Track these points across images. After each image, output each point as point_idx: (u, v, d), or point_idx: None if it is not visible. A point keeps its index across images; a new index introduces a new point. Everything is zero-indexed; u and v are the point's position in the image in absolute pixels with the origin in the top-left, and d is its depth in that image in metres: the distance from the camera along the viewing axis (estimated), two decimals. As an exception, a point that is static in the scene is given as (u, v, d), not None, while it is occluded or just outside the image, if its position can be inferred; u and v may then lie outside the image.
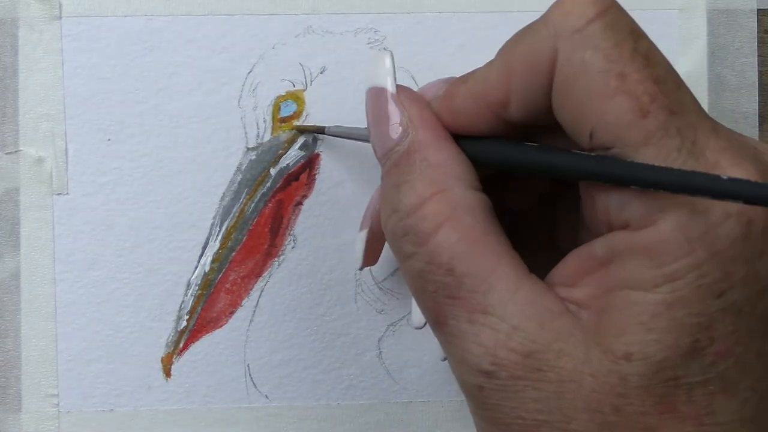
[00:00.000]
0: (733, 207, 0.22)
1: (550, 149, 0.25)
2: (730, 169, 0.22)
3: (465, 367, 0.24)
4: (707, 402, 0.23)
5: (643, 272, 0.23)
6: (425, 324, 0.29)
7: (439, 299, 0.24)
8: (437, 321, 0.25)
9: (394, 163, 0.26)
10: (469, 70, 0.27)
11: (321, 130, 0.34)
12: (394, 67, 0.27)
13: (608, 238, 0.24)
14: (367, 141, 0.29)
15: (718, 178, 0.22)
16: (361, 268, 0.31)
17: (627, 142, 0.23)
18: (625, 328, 0.23)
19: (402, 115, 0.26)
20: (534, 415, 0.23)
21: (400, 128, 0.26)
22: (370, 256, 0.31)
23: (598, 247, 0.24)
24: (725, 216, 0.22)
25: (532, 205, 0.30)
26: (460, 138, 0.26)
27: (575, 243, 0.26)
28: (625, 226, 0.23)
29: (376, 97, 0.27)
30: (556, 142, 0.25)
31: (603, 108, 0.23)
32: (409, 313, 0.35)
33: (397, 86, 0.27)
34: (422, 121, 0.26)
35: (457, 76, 0.27)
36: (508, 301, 0.24)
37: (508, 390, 0.24)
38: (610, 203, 0.24)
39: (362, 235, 0.31)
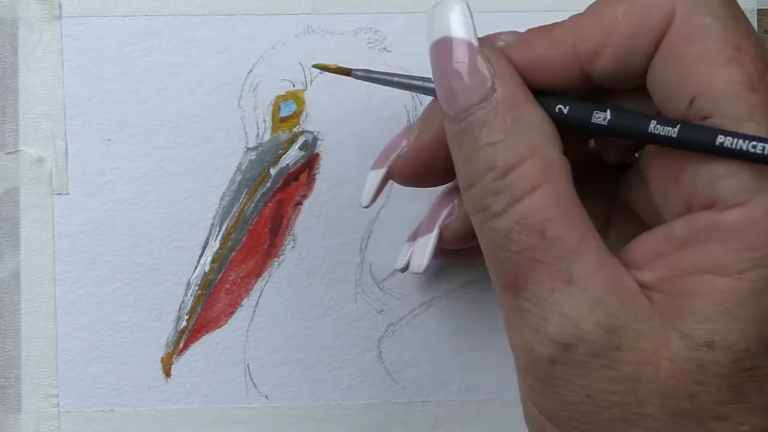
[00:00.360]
0: None
1: (644, 114, 0.24)
2: None
3: (539, 337, 0.23)
4: None
5: (728, 256, 0.22)
6: (407, 267, 0.29)
7: (523, 261, 0.24)
8: (515, 284, 0.24)
9: (482, 121, 0.24)
10: None
11: (347, 72, 0.30)
12: (471, 16, 0.25)
13: (691, 218, 0.23)
14: (402, 88, 0.27)
15: None
16: (368, 206, 0.30)
17: (729, 113, 0.22)
18: (707, 315, 0.22)
19: (489, 71, 0.24)
20: (606, 395, 0.23)
21: (488, 84, 0.24)
22: (376, 197, 0.30)
23: (678, 227, 0.23)
24: None
25: (616, 164, 0.29)
26: (538, 94, 0.25)
27: (632, 228, 0.25)
28: (710, 205, 0.23)
29: (448, 49, 0.25)
30: (627, 104, 0.25)
31: (714, 74, 0.22)
32: (409, 313, 0.35)
33: (480, 38, 0.25)
34: (512, 76, 0.24)
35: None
36: (594, 273, 0.23)
37: (584, 366, 0.23)
38: (699, 178, 0.23)
39: (378, 174, 0.30)
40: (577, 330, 0.23)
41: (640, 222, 0.27)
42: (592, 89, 0.25)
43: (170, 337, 0.35)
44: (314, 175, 0.35)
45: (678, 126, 0.23)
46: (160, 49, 0.35)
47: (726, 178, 0.22)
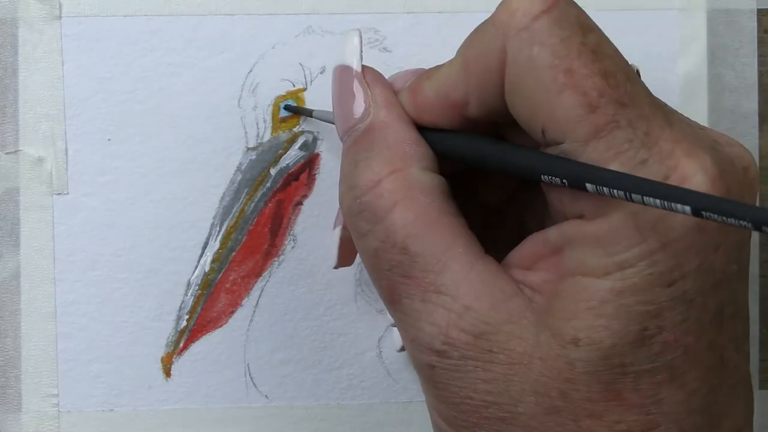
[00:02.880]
0: None
1: (505, 145, 0.25)
2: (685, 159, 0.22)
3: (417, 346, 0.24)
4: (654, 391, 0.23)
5: (594, 260, 0.23)
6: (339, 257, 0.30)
7: (394, 278, 0.25)
8: (392, 299, 0.25)
9: (354, 141, 0.26)
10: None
11: (309, 113, 0.34)
12: (361, 47, 0.28)
13: (562, 226, 0.24)
14: None
15: (664, 185, 0.21)
16: (336, 267, 0.31)
17: (577, 138, 0.23)
18: (574, 313, 0.23)
19: (365, 94, 0.26)
20: (482, 395, 0.24)
21: (363, 106, 0.26)
22: (346, 255, 0.31)
23: (552, 234, 0.24)
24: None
25: (503, 199, 0.30)
26: (424, 129, 0.26)
27: None
28: (579, 216, 0.23)
29: (342, 74, 0.27)
30: (521, 138, 0.25)
31: (552, 104, 0.23)
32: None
33: (363, 66, 0.28)
34: (384, 101, 0.26)
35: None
36: (461, 280, 0.24)
37: (459, 370, 0.24)
38: (563, 195, 0.24)
39: (336, 233, 0.31)
40: (447, 337, 0.24)
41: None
42: (488, 126, 0.26)
43: (170, 337, 0.35)
44: (314, 175, 0.35)
45: (528, 154, 0.24)
46: (160, 49, 0.35)
47: (585, 194, 0.23)
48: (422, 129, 0.26)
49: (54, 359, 0.35)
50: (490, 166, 0.25)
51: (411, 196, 0.25)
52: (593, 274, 0.23)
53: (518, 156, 0.24)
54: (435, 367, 0.24)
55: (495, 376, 0.23)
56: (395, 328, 0.31)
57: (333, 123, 0.30)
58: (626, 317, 0.22)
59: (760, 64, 0.36)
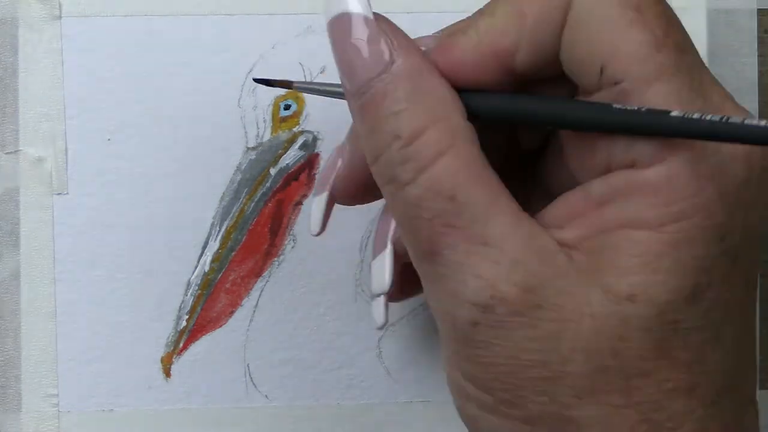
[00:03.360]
0: (739, 150, 0.22)
1: (554, 99, 0.24)
2: (735, 112, 0.22)
3: (458, 301, 0.23)
4: (700, 349, 0.22)
5: (648, 210, 0.22)
6: (385, 324, 0.28)
7: (436, 227, 0.23)
8: (431, 251, 0.24)
9: (383, 92, 0.24)
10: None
11: (288, 85, 0.31)
12: None
13: (609, 177, 0.23)
14: (339, 97, 0.27)
15: (728, 120, 0.21)
16: (319, 232, 0.29)
17: (639, 75, 0.22)
18: (628, 269, 0.22)
19: (386, 41, 0.24)
20: (529, 354, 0.23)
21: (386, 53, 0.24)
22: (326, 223, 0.30)
23: (596, 187, 0.23)
24: (733, 158, 0.22)
25: (535, 148, 0.29)
26: (461, 91, 0.25)
27: (560, 191, 0.25)
28: (630, 165, 0.23)
29: (345, 25, 0.25)
30: (558, 94, 0.25)
31: (618, 38, 0.22)
32: (409, 313, 0.35)
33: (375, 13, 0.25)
34: (409, 47, 0.25)
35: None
36: (510, 234, 0.23)
37: (505, 327, 0.23)
38: (615, 143, 0.23)
39: (321, 199, 0.29)
40: (496, 291, 0.23)
41: None
42: (521, 82, 0.25)
43: (170, 337, 0.35)
44: (314, 175, 0.35)
45: (581, 105, 0.23)
46: (160, 49, 0.35)
47: (642, 141, 0.22)
48: (461, 91, 0.25)
49: (54, 359, 0.35)
50: (543, 122, 0.25)
51: (457, 145, 0.23)
52: (647, 226, 0.22)
53: (575, 107, 0.24)
54: (478, 324, 0.23)
55: (543, 334, 0.22)
56: (374, 271, 0.28)
57: (314, 94, 0.29)
58: (683, 272, 0.22)
59: (760, 64, 0.36)
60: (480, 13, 0.25)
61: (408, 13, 0.35)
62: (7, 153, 0.35)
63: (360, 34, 0.25)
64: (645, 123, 0.22)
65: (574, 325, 0.22)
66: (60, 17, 0.35)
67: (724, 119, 0.21)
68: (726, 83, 0.36)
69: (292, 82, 0.30)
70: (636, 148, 0.22)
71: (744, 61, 0.36)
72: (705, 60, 0.35)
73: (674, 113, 0.22)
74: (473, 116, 0.25)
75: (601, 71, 0.23)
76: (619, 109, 0.22)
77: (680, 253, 0.22)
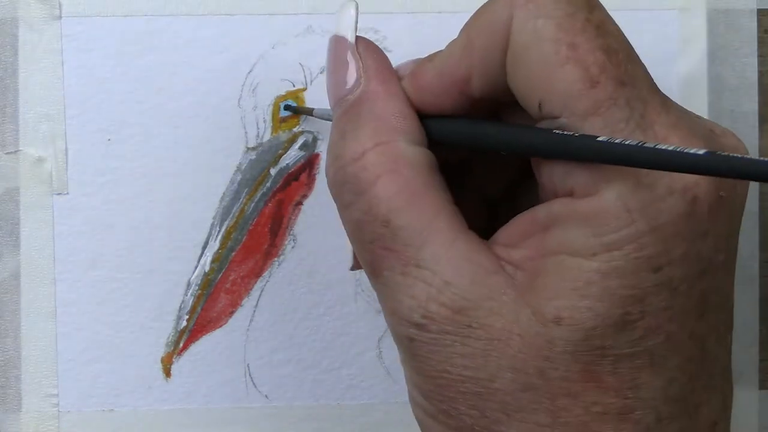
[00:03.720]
0: (678, 183, 0.22)
1: (501, 124, 0.25)
2: (684, 142, 0.22)
3: (397, 318, 0.25)
4: (633, 375, 0.23)
5: (581, 239, 0.23)
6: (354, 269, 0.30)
7: (375, 250, 0.25)
8: (373, 271, 0.25)
9: (343, 111, 0.26)
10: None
11: (309, 112, 0.34)
12: (357, 18, 0.27)
13: (551, 203, 0.24)
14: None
15: (659, 148, 0.21)
16: (352, 269, 0.31)
17: (575, 112, 0.23)
18: (558, 292, 0.23)
19: (357, 65, 0.26)
20: (460, 370, 0.24)
21: (354, 76, 0.26)
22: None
23: (540, 211, 0.24)
24: (669, 191, 0.22)
25: (502, 190, 0.30)
26: (425, 117, 0.26)
27: None
28: (569, 194, 0.23)
29: (335, 45, 0.27)
30: (519, 120, 0.25)
31: (552, 76, 0.23)
32: None
33: (358, 37, 0.27)
34: (376, 72, 0.26)
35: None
36: (442, 256, 0.24)
37: (437, 344, 0.24)
38: (554, 172, 0.24)
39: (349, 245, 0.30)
40: (427, 311, 0.24)
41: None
42: (489, 108, 0.26)
43: (170, 337, 0.35)
44: (314, 175, 0.35)
45: (520, 130, 0.24)
46: (160, 49, 0.35)
47: (577, 170, 0.23)
48: (423, 117, 0.26)
49: (54, 359, 0.35)
50: (488, 146, 0.25)
51: (395, 170, 0.24)
52: (579, 254, 0.23)
53: (515, 132, 0.24)
54: (414, 340, 0.24)
55: (473, 351, 0.23)
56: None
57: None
58: (610, 300, 0.22)
59: (760, 64, 0.36)
60: (451, 41, 0.26)
61: (408, 13, 0.35)
62: (7, 153, 0.35)
63: (340, 53, 0.27)
64: (574, 148, 0.22)
65: (502, 344, 0.23)
66: (60, 17, 0.35)
67: (649, 145, 0.21)
68: (726, 83, 0.36)
69: (312, 110, 0.34)
70: (573, 177, 0.23)
71: (744, 61, 0.36)
72: (705, 60, 0.35)
73: (600, 138, 0.22)
74: (435, 142, 0.26)
75: (540, 106, 0.23)
76: (552, 133, 0.23)
77: (609, 282, 0.22)
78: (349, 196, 0.25)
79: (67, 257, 0.35)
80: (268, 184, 0.35)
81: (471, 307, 0.23)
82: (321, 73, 0.35)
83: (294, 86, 0.35)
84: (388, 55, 0.35)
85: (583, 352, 0.23)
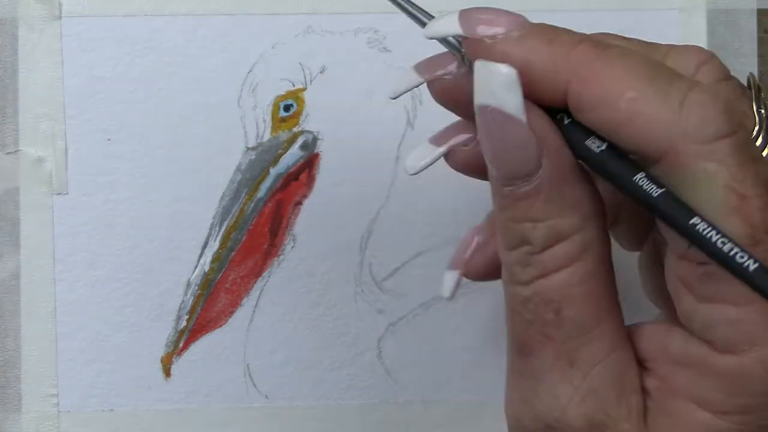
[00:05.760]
0: None
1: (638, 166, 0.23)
2: None
3: (527, 411, 0.24)
4: None
5: (715, 395, 0.22)
6: (450, 299, 0.28)
7: (533, 331, 0.24)
8: (522, 350, 0.24)
9: (525, 195, 0.23)
10: None
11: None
12: (520, 86, 0.23)
13: (688, 343, 0.23)
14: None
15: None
16: (450, 297, 0.28)
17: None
18: None
19: (536, 147, 0.23)
20: None
21: (533, 161, 0.23)
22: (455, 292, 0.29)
23: (675, 343, 0.23)
24: None
25: (637, 247, 0.29)
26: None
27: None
28: (707, 341, 0.23)
29: (498, 120, 0.23)
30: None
31: (717, 222, 0.22)
32: (409, 313, 0.35)
33: (526, 105, 0.23)
34: (558, 152, 0.23)
35: None
36: (599, 362, 0.23)
37: None
38: (696, 315, 0.23)
39: (453, 276, 0.28)
40: (564, 415, 0.23)
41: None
42: None
43: (170, 337, 0.35)
44: (314, 175, 0.35)
45: (662, 190, 0.23)
46: (160, 49, 0.35)
47: (720, 325, 0.22)
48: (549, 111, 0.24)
49: (54, 359, 0.35)
50: (610, 177, 0.24)
51: (583, 260, 0.23)
52: (711, 408, 0.22)
53: (654, 183, 0.23)
54: None
55: None
56: (449, 274, 0.28)
57: (417, 21, 0.27)
58: None
59: (760, 64, 0.36)
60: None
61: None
62: (7, 153, 0.35)
63: (509, 131, 0.23)
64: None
65: None
66: (60, 17, 0.35)
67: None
68: (726, 83, 0.36)
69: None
70: (713, 331, 0.22)
71: (744, 61, 0.36)
72: (705, 60, 0.35)
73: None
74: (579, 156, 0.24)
75: (689, 245, 0.22)
76: (694, 211, 0.22)
77: None
78: (527, 276, 0.24)
79: (67, 257, 0.35)
80: (268, 184, 0.35)
81: (608, 425, 0.23)
82: (321, 73, 0.35)
83: (294, 86, 0.35)
84: (388, 55, 0.36)
85: None
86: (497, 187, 0.24)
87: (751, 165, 0.22)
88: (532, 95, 0.23)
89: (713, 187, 0.22)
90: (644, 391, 0.24)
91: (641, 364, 0.24)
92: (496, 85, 0.23)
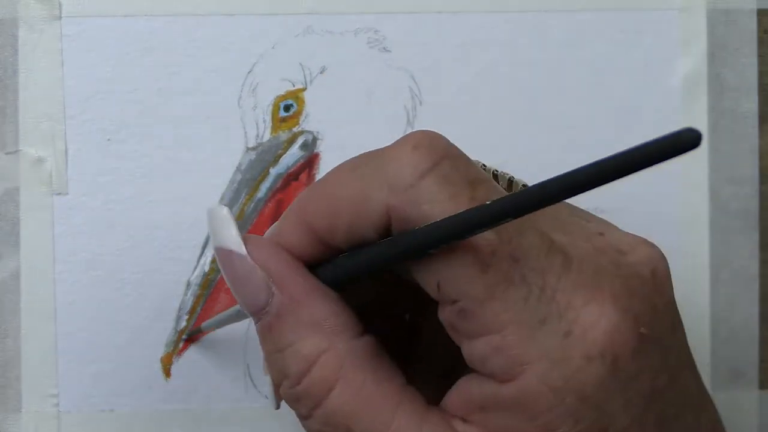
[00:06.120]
0: (593, 348, 0.22)
1: (371, 246, 0.24)
2: (584, 310, 0.22)
3: None
4: None
5: (518, 424, 0.22)
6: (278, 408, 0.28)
7: None
8: None
9: (268, 326, 0.24)
10: (468, 71, 0.26)
11: (198, 331, 0.34)
12: (234, 222, 0.25)
13: (481, 383, 0.23)
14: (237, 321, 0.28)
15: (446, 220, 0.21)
16: (277, 407, 0.28)
17: (471, 296, 0.22)
18: None
19: (261, 277, 0.24)
20: None
21: (264, 291, 0.24)
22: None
23: (474, 392, 0.23)
24: (587, 360, 0.22)
25: (417, 314, 0.29)
26: (316, 266, 0.25)
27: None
28: (491, 377, 0.23)
29: (227, 258, 0.25)
30: None
31: (444, 262, 0.22)
32: None
33: (246, 239, 0.25)
34: (284, 277, 0.24)
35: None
36: None
37: None
38: (472, 353, 0.23)
39: (268, 380, 0.27)
40: None
41: None
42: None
43: (170, 337, 0.35)
44: (314, 175, 0.35)
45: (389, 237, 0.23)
46: (160, 49, 0.35)
47: (490, 356, 0.22)
48: (314, 267, 0.25)
49: (54, 359, 0.35)
50: (368, 269, 0.24)
51: (344, 375, 0.24)
52: None
53: (372, 250, 0.23)
54: None
55: None
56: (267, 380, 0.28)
57: (230, 322, 0.30)
58: None
59: (760, 64, 0.36)
60: (299, 195, 0.25)
61: (408, 13, 0.35)
62: (7, 153, 0.35)
63: (236, 268, 0.24)
64: (414, 242, 0.22)
65: None
66: (60, 17, 0.35)
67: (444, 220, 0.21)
68: (726, 83, 0.36)
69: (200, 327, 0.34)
70: (489, 363, 0.22)
71: (744, 61, 0.36)
72: (705, 60, 0.35)
73: (510, 328, 0.22)
74: (335, 286, 0.24)
75: (438, 288, 0.22)
76: (407, 234, 0.22)
77: None
78: (306, 410, 0.24)
79: (67, 257, 0.35)
80: (268, 184, 0.35)
81: None
82: (321, 73, 0.35)
83: (294, 86, 0.35)
84: (388, 55, 0.36)
85: None
86: (255, 320, 0.25)
87: (465, 190, 0.22)
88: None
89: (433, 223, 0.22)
90: None
91: (462, 419, 0.24)
92: (217, 226, 0.25)
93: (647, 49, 0.36)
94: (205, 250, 0.35)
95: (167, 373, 0.35)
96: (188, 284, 0.35)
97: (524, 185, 0.26)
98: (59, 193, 0.35)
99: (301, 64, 0.35)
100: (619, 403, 0.22)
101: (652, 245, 0.24)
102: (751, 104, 0.36)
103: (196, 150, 0.35)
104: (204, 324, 0.34)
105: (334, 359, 0.24)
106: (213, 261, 0.35)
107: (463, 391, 0.24)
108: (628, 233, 0.24)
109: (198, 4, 0.35)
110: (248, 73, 0.35)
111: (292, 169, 0.35)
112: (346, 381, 0.24)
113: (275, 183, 0.35)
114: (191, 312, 0.35)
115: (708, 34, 0.36)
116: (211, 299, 0.35)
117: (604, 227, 0.24)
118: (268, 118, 0.35)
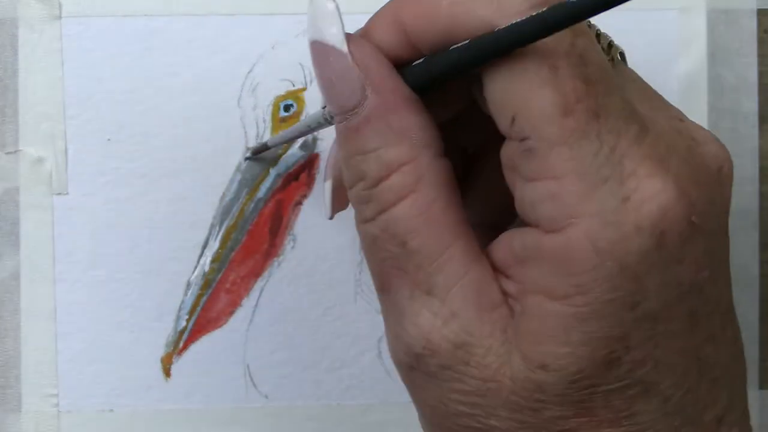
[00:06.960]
0: (645, 220, 0.22)
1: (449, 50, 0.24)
2: (646, 180, 0.22)
3: (399, 344, 0.24)
4: (626, 405, 0.23)
5: (554, 280, 0.22)
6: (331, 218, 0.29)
7: (387, 268, 0.24)
8: (382, 287, 0.25)
9: (355, 128, 0.24)
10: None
11: (264, 147, 0.34)
12: (341, 18, 0.24)
13: (524, 234, 0.23)
14: (310, 132, 0.28)
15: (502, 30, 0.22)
16: (331, 217, 0.30)
17: (544, 137, 0.22)
18: (540, 339, 0.22)
19: (359, 78, 0.24)
20: (456, 405, 0.24)
21: (358, 91, 0.24)
22: (339, 203, 0.30)
23: (516, 243, 0.23)
24: (637, 229, 0.22)
25: (483, 146, 0.29)
26: (403, 67, 0.24)
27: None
28: (536, 225, 0.23)
29: (324, 53, 0.24)
30: None
31: (530, 95, 0.22)
32: None
33: (348, 38, 0.24)
34: (382, 81, 0.24)
35: None
36: (453, 285, 0.23)
37: (436, 376, 0.24)
38: (524, 199, 0.23)
39: (328, 185, 0.29)
40: (429, 342, 0.23)
41: None
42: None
43: (170, 337, 0.35)
44: (314, 175, 0.35)
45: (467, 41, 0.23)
46: (160, 49, 0.35)
47: (544, 202, 0.22)
48: (400, 67, 0.24)
49: (54, 359, 0.35)
50: (443, 76, 0.24)
51: (419, 190, 0.24)
52: (554, 296, 0.22)
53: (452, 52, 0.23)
54: (414, 369, 0.24)
55: (469, 389, 0.23)
56: (324, 193, 0.29)
57: (295, 138, 0.30)
58: (592, 344, 0.22)
59: (760, 64, 0.36)
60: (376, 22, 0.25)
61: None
62: (7, 153, 0.35)
63: (333, 64, 0.24)
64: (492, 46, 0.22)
65: (495, 386, 0.23)
66: (60, 17, 0.35)
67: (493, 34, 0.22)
68: (726, 83, 0.36)
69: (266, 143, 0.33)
70: (539, 209, 0.22)
71: (744, 61, 0.36)
72: (705, 60, 0.35)
73: (570, 177, 0.22)
74: (417, 89, 0.24)
75: (512, 122, 0.23)
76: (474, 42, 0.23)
77: (588, 327, 0.22)
78: (371, 213, 0.24)
79: (67, 257, 0.35)
80: (267, 184, 0.35)
81: (472, 344, 0.23)
82: (321, 73, 0.35)
83: (294, 86, 0.35)
84: (388, 55, 0.35)
85: (573, 393, 0.22)
86: (336, 124, 0.25)
87: (567, 35, 0.22)
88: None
89: (528, 58, 0.22)
90: (511, 298, 0.24)
91: (504, 274, 0.24)
92: (320, 20, 0.24)
93: (647, 49, 0.36)
94: (205, 250, 0.35)
95: (167, 373, 0.35)
96: (188, 284, 0.35)
97: (621, 53, 0.26)
98: (59, 193, 0.35)
99: (301, 64, 0.35)
100: (655, 282, 0.22)
101: (724, 146, 0.24)
102: (751, 104, 0.36)
103: (196, 150, 0.35)
104: (270, 140, 0.33)
105: (415, 171, 0.24)
106: (213, 261, 0.35)
107: (503, 245, 0.24)
108: (705, 128, 0.25)
109: (198, 4, 0.35)
110: (248, 73, 0.35)
111: (292, 169, 0.35)
112: (419, 195, 0.24)
113: (275, 183, 0.35)
114: (191, 312, 0.35)
115: (708, 34, 0.36)
116: (211, 299, 0.35)
117: (685, 117, 0.25)
118: (268, 118, 0.35)
